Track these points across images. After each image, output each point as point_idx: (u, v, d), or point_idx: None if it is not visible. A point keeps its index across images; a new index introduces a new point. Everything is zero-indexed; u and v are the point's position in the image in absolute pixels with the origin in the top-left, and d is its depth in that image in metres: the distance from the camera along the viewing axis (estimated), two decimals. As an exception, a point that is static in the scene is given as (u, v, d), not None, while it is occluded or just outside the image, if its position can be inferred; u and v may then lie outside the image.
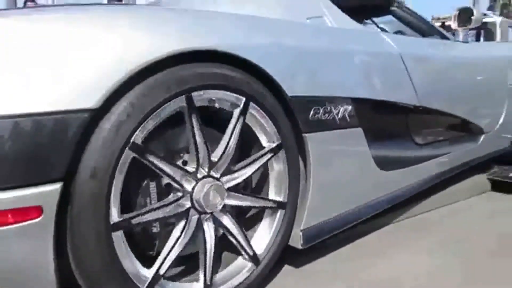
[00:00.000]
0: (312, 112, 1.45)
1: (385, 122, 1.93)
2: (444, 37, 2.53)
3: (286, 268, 1.55)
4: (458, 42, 2.60)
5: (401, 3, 2.47)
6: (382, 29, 2.63)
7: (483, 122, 2.56)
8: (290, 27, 1.61)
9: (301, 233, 1.47)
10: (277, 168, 1.40)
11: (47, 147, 0.93)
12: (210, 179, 1.22)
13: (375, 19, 2.70)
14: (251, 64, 1.26)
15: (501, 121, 2.70)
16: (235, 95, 1.25)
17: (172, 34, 1.15)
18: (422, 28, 2.53)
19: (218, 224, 1.28)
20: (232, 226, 1.31)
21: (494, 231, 1.93)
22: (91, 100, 0.96)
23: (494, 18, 4.17)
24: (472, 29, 3.20)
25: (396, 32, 2.61)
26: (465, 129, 2.49)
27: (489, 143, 2.62)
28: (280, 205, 1.40)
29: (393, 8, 2.43)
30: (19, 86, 0.91)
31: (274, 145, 1.36)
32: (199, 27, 1.24)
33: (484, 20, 3.64)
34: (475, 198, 2.43)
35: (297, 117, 1.40)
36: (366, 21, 2.63)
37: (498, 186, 2.56)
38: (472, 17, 2.56)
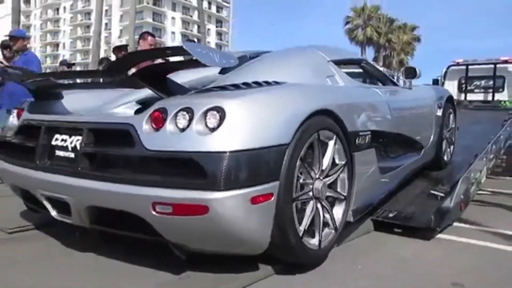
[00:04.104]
0: (356, 140, 2.41)
1: (379, 143, 2.76)
2: (395, 84, 3.70)
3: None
4: (405, 89, 3.76)
5: (367, 60, 3.77)
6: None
7: (423, 140, 3.71)
8: (342, 90, 2.71)
9: (351, 212, 2.42)
10: (342, 176, 2.33)
11: (275, 163, 1.84)
12: (320, 180, 2.16)
13: None
14: (336, 115, 2.22)
15: (431, 139, 3.85)
16: (331, 133, 2.20)
17: (315, 100, 2.18)
18: (380, 78, 3.68)
19: (321, 205, 2.17)
20: (327, 208, 2.22)
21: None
22: (287, 138, 1.90)
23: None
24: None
25: None
26: (413, 145, 3.54)
27: (426, 154, 3.74)
28: (344, 197, 2.34)
29: (362, 64, 3.57)
30: (266, 133, 1.83)
31: (343, 162, 2.30)
32: (319, 95, 2.34)
33: None
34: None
35: (350, 143, 2.34)
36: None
37: (380, 226, 2.91)
38: (417, 71, 3.71)
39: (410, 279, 2.18)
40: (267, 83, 2.14)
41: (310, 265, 2.17)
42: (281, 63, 2.66)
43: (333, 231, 2.26)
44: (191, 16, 69.75)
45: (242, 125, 1.75)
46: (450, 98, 4.35)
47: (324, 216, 2.19)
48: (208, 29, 65.13)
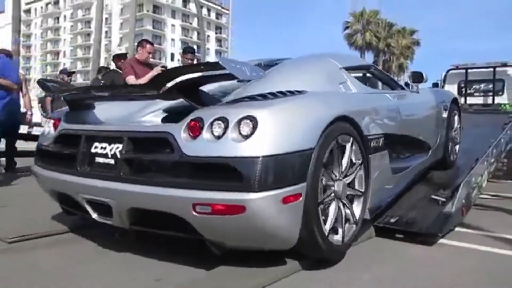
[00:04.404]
0: (371, 143, 2.59)
1: (391, 145, 2.91)
2: (403, 88, 3.85)
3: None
4: (414, 92, 3.92)
5: (376, 66, 3.96)
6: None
7: (430, 142, 3.90)
8: (358, 97, 2.89)
9: (367, 210, 2.59)
10: (360, 173, 2.49)
11: (302, 166, 2.01)
12: (340, 181, 2.33)
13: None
14: (353, 120, 2.40)
15: (438, 140, 4.05)
16: (350, 137, 2.37)
17: (335, 107, 2.35)
18: (389, 82, 3.86)
19: (342, 204, 2.34)
20: (348, 204, 2.40)
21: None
22: (312, 143, 2.07)
23: None
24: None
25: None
26: (421, 146, 3.74)
27: (433, 154, 3.94)
28: (362, 193, 2.51)
29: (371, 69, 3.78)
30: (294, 139, 2.00)
31: (359, 161, 2.46)
32: (338, 103, 2.50)
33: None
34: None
35: (365, 146, 2.51)
36: None
37: (382, 231, 2.88)
38: (423, 76, 3.88)
39: (411, 284, 2.17)
40: (291, 92, 2.30)
41: (334, 260, 2.34)
42: (297, 72, 2.82)
43: (354, 225, 2.45)
44: (190, 23, 70.03)
45: (273, 132, 1.93)
46: (455, 100, 4.61)
47: (345, 212, 2.38)
48: (208, 36, 65.38)
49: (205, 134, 1.96)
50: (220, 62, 1.92)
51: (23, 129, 8.63)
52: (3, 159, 5.90)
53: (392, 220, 2.94)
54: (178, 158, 1.98)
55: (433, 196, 3.41)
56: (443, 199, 3.30)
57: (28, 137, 9.72)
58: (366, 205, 2.56)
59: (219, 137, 1.93)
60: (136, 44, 6.30)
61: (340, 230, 2.32)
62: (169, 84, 2.06)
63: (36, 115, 10.83)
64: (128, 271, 2.25)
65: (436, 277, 2.25)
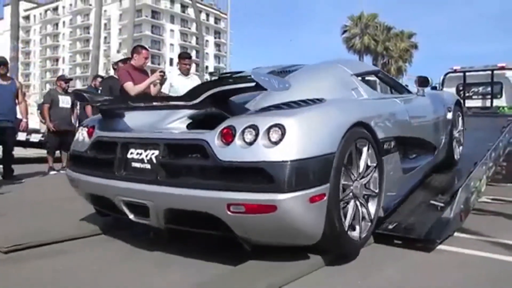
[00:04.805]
0: (384, 145, 2.77)
1: (400, 146, 3.09)
2: (409, 92, 4.05)
3: None
4: (420, 96, 4.07)
5: (382, 71, 4.12)
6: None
7: (436, 142, 4.07)
8: (371, 103, 3.10)
9: (381, 209, 2.74)
10: (374, 175, 2.66)
11: (326, 168, 2.18)
12: (357, 181, 2.51)
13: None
14: (368, 125, 2.59)
15: (443, 140, 4.23)
16: (366, 140, 2.55)
17: (352, 113, 2.54)
18: (396, 86, 4.10)
19: (359, 203, 2.51)
20: (364, 203, 2.57)
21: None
22: (334, 148, 2.24)
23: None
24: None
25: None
26: (428, 147, 3.91)
27: (438, 155, 4.12)
28: (376, 193, 2.68)
29: (379, 75, 4.00)
30: (318, 144, 2.18)
31: (374, 164, 2.64)
32: (355, 110, 2.70)
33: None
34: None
35: (379, 148, 2.69)
36: None
37: (380, 238, 2.85)
38: (429, 81, 4.07)
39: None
40: (312, 101, 2.48)
41: (352, 255, 2.50)
42: (312, 80, 3.03)
43: (369, 222, 2.62)
44: (189, 28, 70.18)
45: (299, 138, 2.11)
46: (458, 102, 4.82)
47: (362, 211, 2.55)
48: (207, 41, 65.47)
49: (238, 141, 2.14)
50: (252, 76, 2.11)
51: (22, 136, 8.63)
52: (0, 166, 5.89)
53: (391, 226, 2.92)
54: (213, 163, 2.16)
55: (432, 201, 3.38)
56: (442, 204, 3.27)
57: (27, 143, 9.75)
58: (380, 203, 2.72)
59: (250, 143, 2.10)
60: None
61: (357, 227, 2.49)
62: (203, 96, 2.25)
63: (35, 121, 10.83)
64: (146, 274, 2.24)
65: (435, 284, 2.23)
